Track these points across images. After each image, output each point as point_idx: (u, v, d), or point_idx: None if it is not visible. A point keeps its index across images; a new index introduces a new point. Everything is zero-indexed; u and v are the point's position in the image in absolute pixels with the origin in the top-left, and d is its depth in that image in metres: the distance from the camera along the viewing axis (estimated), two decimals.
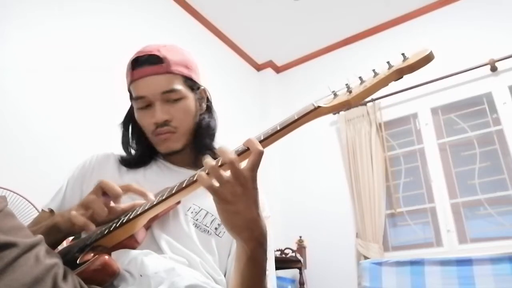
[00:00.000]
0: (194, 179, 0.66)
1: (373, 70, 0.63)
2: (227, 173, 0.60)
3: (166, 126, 0.87)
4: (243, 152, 0.62)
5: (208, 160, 0.60)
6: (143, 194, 0.75)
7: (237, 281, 0.69)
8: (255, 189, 0.62)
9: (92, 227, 0.72)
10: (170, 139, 0.88)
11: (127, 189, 0.76)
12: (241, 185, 0.60)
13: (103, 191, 0.75)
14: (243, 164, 0.62)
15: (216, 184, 0.60)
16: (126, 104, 0.99)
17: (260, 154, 0.61)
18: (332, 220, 3.15)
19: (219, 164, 0.60)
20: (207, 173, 0.61)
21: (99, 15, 2.43)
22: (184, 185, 0.68)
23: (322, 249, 3.08)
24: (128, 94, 0.95)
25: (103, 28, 2.43)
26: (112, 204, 0.78)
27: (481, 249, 2.44)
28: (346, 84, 0.64)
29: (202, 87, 0.96)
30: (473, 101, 2.91)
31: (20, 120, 1.87)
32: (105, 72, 2.25)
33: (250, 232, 0.63)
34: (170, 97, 0.87)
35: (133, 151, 0.97)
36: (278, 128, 0.65)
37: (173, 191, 0.70)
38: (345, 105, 0.63)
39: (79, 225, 0.71)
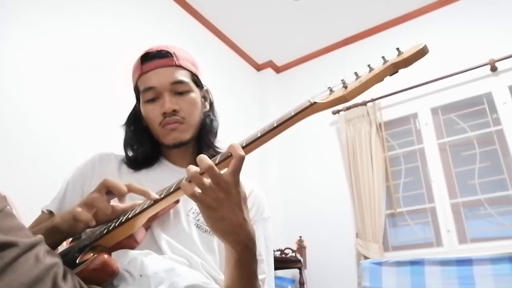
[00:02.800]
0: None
1: (369, 66, 0.63)
2: (209, 180, 0.60)
3: (174, 117, 0.88)
4: (226, 158, 0.63)
5: (190, 168, 0.60)
6: (144, 194, 0.74)
7: (227, 283, 0.70)
8: (238, 193, 0.62)
9: (94, 224, 0.73)
10: (178, 129, 0.89)
11: (128, 189, 0.76)
12: (223, 190, 0.60)
13: (107, 190, 0.75)
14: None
15: (199, 191, 0.60)
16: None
17: (241, 158, 0.61)
18: (332, 220, 3.15)
19: (201, 171, 0.60)
20: (189, 181, 0.61)
21: (99, 15, 2.43)
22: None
23: (322, 249, 3.08)
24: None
25: (103, 28, 2.43)
26: (112, 203, 0.78)
27: (481, 249, 2.44)
28: (342, 80, 0.64)
29: (205, 88, 1.00)
30: (473, 101, 2.91)
31: (20, 120, 1.86)
32: (105, 72, 2.25)
33: (236, 236, 0.64)
34: (178, 89, 0.90)
35: (131, 153, 0.96)
36: (275, 125, 0.65)
37: (171, 190, 0.70)
38: (341, 101, 0.63)
39: (85, 221, 0.72)
